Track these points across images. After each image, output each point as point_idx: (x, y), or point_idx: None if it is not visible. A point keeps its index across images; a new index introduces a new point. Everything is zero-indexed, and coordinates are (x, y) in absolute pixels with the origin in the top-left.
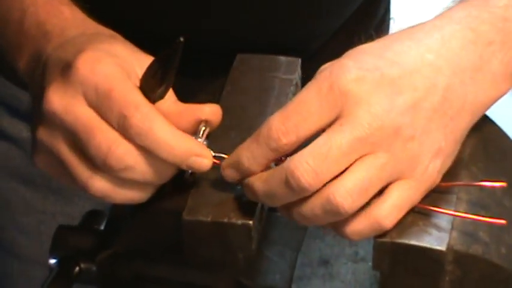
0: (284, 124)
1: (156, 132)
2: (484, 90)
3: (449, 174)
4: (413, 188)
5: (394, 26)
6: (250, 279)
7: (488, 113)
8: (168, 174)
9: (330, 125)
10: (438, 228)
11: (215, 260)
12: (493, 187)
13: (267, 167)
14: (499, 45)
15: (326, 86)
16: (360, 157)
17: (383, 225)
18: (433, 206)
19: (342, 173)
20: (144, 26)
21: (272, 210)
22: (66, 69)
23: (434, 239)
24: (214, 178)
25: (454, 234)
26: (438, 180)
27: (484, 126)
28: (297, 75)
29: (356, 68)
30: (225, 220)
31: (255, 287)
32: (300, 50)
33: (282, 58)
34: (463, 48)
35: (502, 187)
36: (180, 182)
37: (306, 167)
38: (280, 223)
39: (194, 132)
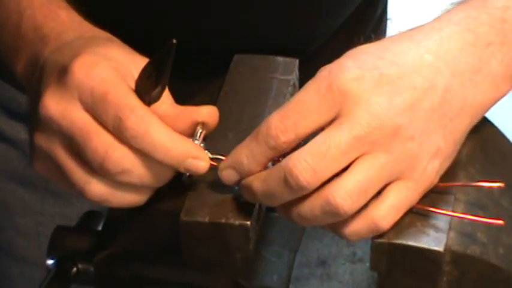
0: (283, 122)
1: (152, 134)
2: (483, 91)
3: (447, 175)
4: (411, 189)
5: (392, 26)
6: (248, 280)
7: (486, 114)
8: (165, 177)
9: (328, 124)
10: (436, 228)
11: (213, 261)
12: (491, 187)
13: (265, 168)
14: (498, 47)
15: (325, 85)
16: (359, 156)
17: (380, 226)
18: (431, 207)
19: (340, 172)
20: (144, 26)
21: (270, 210)
22: (62, 73)
23: (432, 239)
24: (212, 179)
25: (452, 234)
26: (436, 181)
27: (482, 127)
28: (294, 75)
29: (355, 68)
30: (223, 221)
31: None
32: (299, 51)
33: (280, 59)
34: (462, 50)
35: (499, 188)
36: (178, 183)
37: (304, 165)
38: (278, 223)
39: (191, 135)
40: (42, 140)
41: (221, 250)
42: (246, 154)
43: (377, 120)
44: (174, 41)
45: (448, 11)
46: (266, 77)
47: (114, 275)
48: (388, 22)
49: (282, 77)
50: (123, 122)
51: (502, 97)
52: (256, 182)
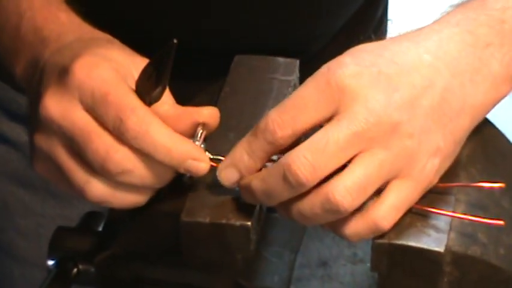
0: (281, 117)
1: (152, 135)
2: (483, 92)
3: (448, 175)
4: (410, 188)
5: (392, 27)
6: (249, 281)
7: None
8: (166, 177)
9: (327, 120)
10: (436, 229)
11: (213, 262)
12: (492, 188)
13: (264, 167)
14: (497, 47)
15: (324, 81)
16: (358, 153)
17: (381, 227)
18: (431, 207)
19: (339, 169)
20: (144, 26)
21: (270, 211)
22: (62, 74)
23: (433, 240)
24: (212, 180)
25: (452, 235)
26: (435, 180)
27: (482, 128)
28: (295, 76)
29: (354, 64)
30: (223, 221)
31: None
32: (299, 51)
33: (280, 59)
34: (461, 51)
35: (500, 188)
36: (179, 184)
37: (303, 161)
38: (278, 224)
39: (192, 135)
40: (42, 141)
41: (222, 251)
42: (245, 149)
43: (375, 116)
44: (175, 41)
45: (447, 13)
46: (267, 77)
47: (115, 275)
48: (389, 23)
49: (283, 78)
50: (123, 122)
51: (502, 98)
52: (256, 181)
